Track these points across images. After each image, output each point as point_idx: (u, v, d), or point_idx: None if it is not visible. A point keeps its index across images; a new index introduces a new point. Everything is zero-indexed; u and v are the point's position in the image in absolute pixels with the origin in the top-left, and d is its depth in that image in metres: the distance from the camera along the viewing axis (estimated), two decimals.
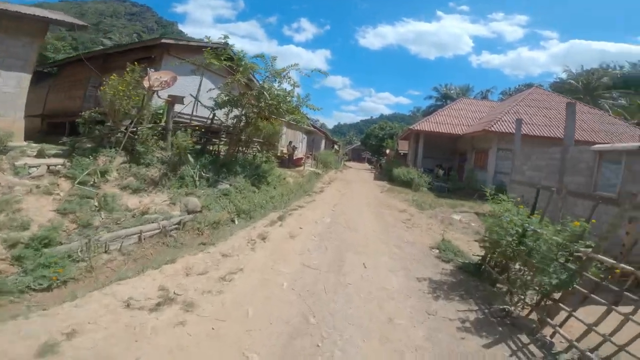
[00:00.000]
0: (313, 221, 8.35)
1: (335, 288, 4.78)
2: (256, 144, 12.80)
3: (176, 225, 6.00)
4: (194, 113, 11.03)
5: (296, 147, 19.92)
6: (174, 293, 4.29)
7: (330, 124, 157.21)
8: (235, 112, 10.26)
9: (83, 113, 7.62)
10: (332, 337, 3.61)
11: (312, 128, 25.93)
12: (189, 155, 7.98)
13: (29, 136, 8.21)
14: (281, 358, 3.20)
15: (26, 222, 4.76)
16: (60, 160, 6.59)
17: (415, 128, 21.57)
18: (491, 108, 24.09)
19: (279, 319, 3.90)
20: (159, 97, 9.04)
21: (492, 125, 16.62)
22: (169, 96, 8.88)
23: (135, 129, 7.76)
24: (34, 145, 7.11)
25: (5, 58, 7.60)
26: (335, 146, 42.66)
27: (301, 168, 17.32)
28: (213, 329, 3.61)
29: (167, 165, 7.52)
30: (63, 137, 7.80)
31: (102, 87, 7.45)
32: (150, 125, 8.18)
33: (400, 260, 6.08)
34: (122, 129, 7.67)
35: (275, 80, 10.17)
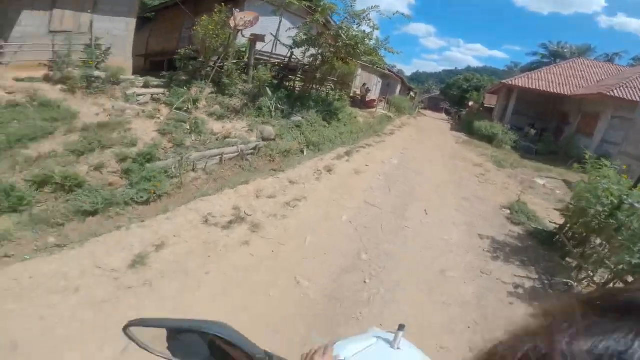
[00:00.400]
0: (380, 161, 8.24)
1: (393, 229, 4.78)
2: (330, 82, 12.75)
3: (252, 150, 6.49)
4: (273, 51, 11.22)
5: (370, 90, 19.04)
6: (245, 213, 4.71)
7: (408, 71, 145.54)
8: (312, 51, 10.33)
9: (179, 51, 8.49)
10: (380, 276, 3.64)
11: (388, 72, 24.19)
12: (267, 89, 8.36)
13: (135, 73, 9.23)
14: (329, 288, 3.37)
15: (134, 140, 5.57)
16: (161, 90, 7.50)
17: (510, 82, 18.88)
18: (618, 72, 19.42)
19: (334, 250, 4.04)
20: (242, 35, 9.42)
21: (613, 90, 13.43)
22: (252, 35, 9.12)
23: (222, 64, 8.41)
24: (140, 78, 8.07)
25: (114, 5, 8.35)
26: (412, 93, 39.49)
27: (373, 110, 16.71)
28: (273, 251, 3.90)
29: (248, 97, 8.07)
30: (163, 72, 8.67)
31: (194, 27, 8.07)
32: (234, 61, 8.83)
33: (466, 215, 5.76)
34: (211, 64, 8.37)
35: (354, 22, 9.83)
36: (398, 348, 0.95)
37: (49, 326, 2.68)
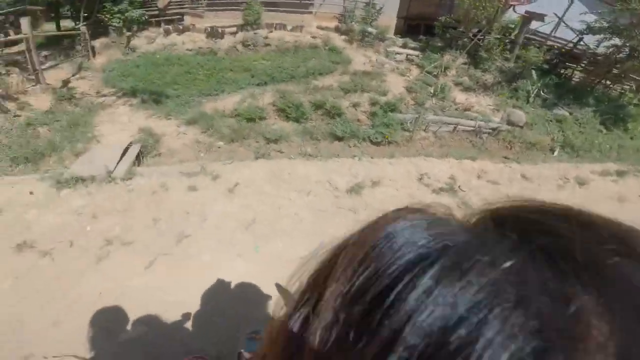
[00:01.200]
0: None
1: None
2: (632, 82, 9.28)
3: (490, 130, 5.79)
4: (553, 33, 9.20)
5: None
6: (459, 187, 4.35)
7: None
8: (615, 41, 7.70)
9: (440, 18, 8.43)
10: None
11: None
12: (533, 71, 7.06)
13: (396, 33, 9.88)
14: None
15: (385, 91, 6.15)
16: (415, 53, 7.88)
17: None
18: None
19: None
20: (514, 11, 8.25)
21: None
22: (527, 12, 8.03)
23: (482, 37, 7.82)
24: (400, 39, 8.63)
25: None
26: None
27: None
28: None
29: (504, 75, 7.17)
30: (420, 36, 8.94)
31: None
32: (498, 36, 8.10)
33: None
34: (470, 35, 7.93)
35: None
36: None
37: (279, 215, 3.51)
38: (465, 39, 7.96)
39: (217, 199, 3.71)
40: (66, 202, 3.43)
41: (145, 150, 4.53)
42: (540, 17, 7.95)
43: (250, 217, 3.46)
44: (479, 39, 7.72)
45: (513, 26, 8.54)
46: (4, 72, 5.76)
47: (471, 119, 5.74)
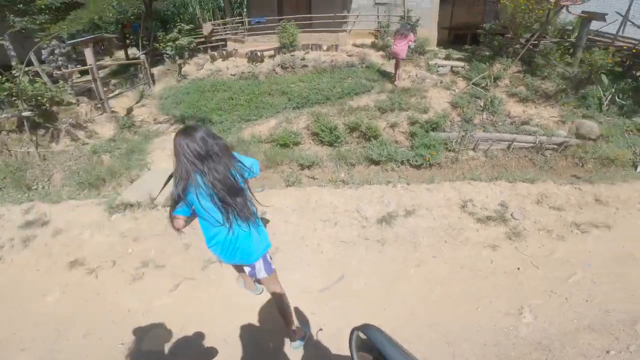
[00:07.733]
0: None
1: None
2: None
3: (554, 146, 4.76)
4: (620, 32, 7.68)
5: None
6: (512, 215, 3.54)
7: None
8: None
9: (484, 25, 7.68)
10: None
11: None
12: (602, 76, 5.74)
13: (439, 44, 9.02)
14: (553, 335, 2.31)
15: (426, 107, 5.46)
16: (461, 64, 7.02)
17: None
18: None
19: (612, 304, 2.47)
20: (569, 12, 7.13)
21: None
22: (584, 12, 6.93)
23: (536, 42, 6.86)
24: (443, 50, 7.79)
25: None
26: None
27: None
28: (519, 269, 2.84)
29: (569, 82, 5.97)
30: (465, 45, 8.06)
31: (501, 1, 7.14)
32: (555, 40, 7.09)
33: None
34: (522, 41, 7.03)
35: None
36: None
37: (301, 245, 3.08)
38: (517, 46, 6.98)
39: None
40: (115, 225, 3.47)
41: None
42: (601, 17, 6.75)
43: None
44: (532, 45, 6.67)
45: (571, 28, 7.34)
46: (74, 101, 5.95)
47: (530, 134, 4.77)
